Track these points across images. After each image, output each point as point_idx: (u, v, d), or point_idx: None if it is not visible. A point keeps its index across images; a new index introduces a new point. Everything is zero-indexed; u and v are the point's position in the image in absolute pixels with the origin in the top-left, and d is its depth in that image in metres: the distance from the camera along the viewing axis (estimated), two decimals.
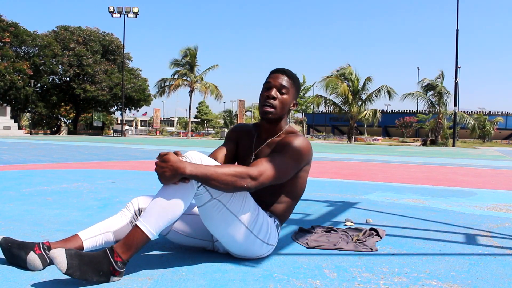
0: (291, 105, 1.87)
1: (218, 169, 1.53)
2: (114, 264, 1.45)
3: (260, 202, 1.79)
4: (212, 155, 1.89)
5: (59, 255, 1.38)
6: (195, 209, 1.83)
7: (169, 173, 1.48)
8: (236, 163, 1.94)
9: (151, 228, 1.48)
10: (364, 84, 32.65)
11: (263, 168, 1.63)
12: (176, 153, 1.53)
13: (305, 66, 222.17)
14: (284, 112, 1.84)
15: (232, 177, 1.54)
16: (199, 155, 1.59)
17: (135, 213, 1.74)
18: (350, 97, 32.28)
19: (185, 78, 39.15)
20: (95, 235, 1.68)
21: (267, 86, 1.83)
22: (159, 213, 1.49)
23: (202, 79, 39.46)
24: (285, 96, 1.82)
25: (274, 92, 1.81)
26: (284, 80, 1.82)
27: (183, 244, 1.90)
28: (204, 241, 1.86)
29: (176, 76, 39.32)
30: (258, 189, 1.63)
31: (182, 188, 1.52)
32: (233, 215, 1.62)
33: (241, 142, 1.96)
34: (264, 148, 1.85)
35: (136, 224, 1.49)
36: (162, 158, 1.50)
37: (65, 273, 1.38)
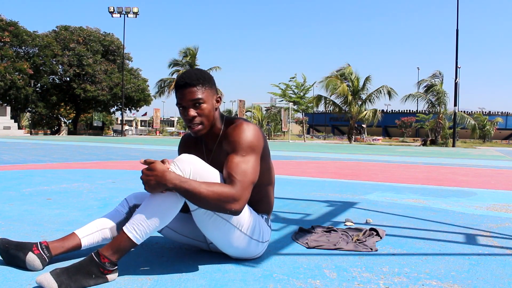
0: (215, 103, 1.70)
1: (202, 188, 1.48)
2: (103, 265, 1.46)
3: None
4: None
5: (45, 278, 1.38)
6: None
7: (154, 183, 1.47)
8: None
9: (138, 235, 1.48)
10: (364, 84, 32.66)
11: (243, 186, 1.54)
12: (162, 161, 1.51)
13: (305, 66, 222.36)
14: (212, 118, 1.69)
15: (216, 200, 1.49)
16: (191, 162, 1.55)
17: (129, 209, 1.75)
18: (350, 97, 32.28)
19: None
20: (92, 233, 1.68)
21: (181, 108, 1.66)
22: (146, 221, 1.49)
23: None
24: (203, 106, 1.64)
25: (191, 112, 1.64)
26: (192, 93, 1.63)
27: (177, 241, 1.90)
28: (198, 242, 1.85)
29: (175, 76, 39.32)
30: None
31: (169, 197, 1.51)
32: (225, 220, 1.60)
33: (193, 154, 1.82)
34: (216, 152, 1.75)
35: (122, 230, 1.49)
36: (149, 167, 1.49)
37: None
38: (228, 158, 1.61)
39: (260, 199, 1.81)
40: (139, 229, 1.48)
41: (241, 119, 1.73)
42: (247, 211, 1.69)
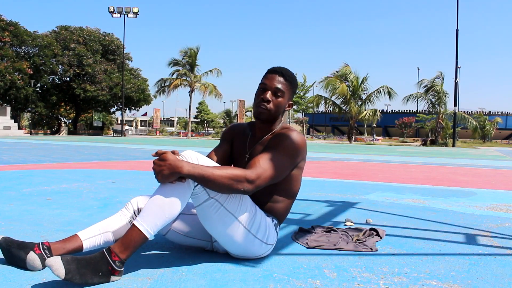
0: (286, 106, 1.86)
1: (215, 171, 1.53)
2: (113, 264, 1.45)
3: (257, 202, 1.79)
4: (208, 156, 1.90)
5: (55, 262, 1.38)
6: (194, 210, 1.83)
7: (167, 172, 1.49)
8: (233, 165, 1.94)
9: (148, 227, 1.48)
10: (362, 82, 32.63)
11: (260, 171, 1.62)
12: (173, 152, 1.54)
13: (306, 65, 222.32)
14: (278, 113, 1.83)
15: (229, 180, 1.53)
16: (196, 154, 1.60)
17: (134, 213, 1.74)
18: (349, 97, 32.29)
19: (185, 78, 39.16)
20: (94, 235, 1.67)
21: (262, 87, 1.82)
22: (156, 213, 1.49)
23: (202, 79, 39.48)
24: (280, 99, 1.80)
25: (269, 95, 1.79)
26: (280, 83, 1.80)
27: (182, 244, 1.90)
28: (203, 241, 1.85)
29: (175, 76, 39.33)
30: (255, 191, 1.63)
31: (179, 187, 1.52)
32: (231, 214, 1.62)
33: (236, 142, 1.97)
34: (258, 147, 1.85)
35: (133, 224, 1.49)
36: (160, 157, 1.51)
37: (64, 279, 1.37)
38: (264, 149, 1.74)
39: (280, 201, 1.84)
40: (149, 222, 1.48)
41: (295, 129, 1.85)
42: (254, 209, 1.70)
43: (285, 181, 1.80)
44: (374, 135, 36.71)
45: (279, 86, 1.79)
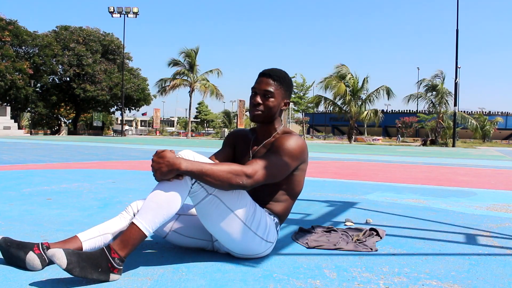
0: (282, 105, 1.87)
1: (213, 166, 1.57)
2: (112, 261, 1.46)
3: (258, 201, 1.80)
4: (210, 159, 1.90)
5: (58, 252, 1.41)
6: (193, 210, 1.84)
7: (165, 169, 1.52)
8: None
9: (147, 225, 1.50)
10: (362, 84, 32.65)
11: (258, 167, 1.65)
12: (171, 152, 1.57)
13: (306, 65, 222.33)
14: (272, 114, 1.85)
15: (227, 174, 1.56)
16: (193, 153, 1.62)
17: (134, 215, 1.74)
18: (349, 97, 32.30)
19: (185, 78, 39.17)
20: (94, 237, 1.68)
21: (253, 92, 1.85)
22: (155, 210, 1.51)
23: (202, 79, 39.49)
24: (271, 100, 1.82)
25: (258, 98, 1.82)
26: (268, 85, 1.82)
27: (183, 245, 1.90)
28: (203, 241, 1.86)
29: (176, 76, 39.31)
30: (253, 187, 1.65)
31: (176, 184, 1.55)
32: (230, 210, 1.63)
33: (238, 147, 1.99)
34: (261, 150, 1.87)
35: (132, 221, 1.51)
36: (159, 154, 1.54)
37: (65, 269, 1.39)
38: (265, 152, 1.78)
39: (282, 201, 1.86)
40: (148, 219, 1.50)
41: (296, 133, 1.87)
42: (253, 206, 1.71)
43: (287, 182, 1.82)
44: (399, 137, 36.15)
45: (268, 88, 1.81)
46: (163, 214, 1.52)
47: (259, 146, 1.89)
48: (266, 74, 1.84)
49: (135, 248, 1.51)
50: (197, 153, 1.64)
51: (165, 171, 1.52)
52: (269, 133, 1.89)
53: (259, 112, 1.83)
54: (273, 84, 1.82)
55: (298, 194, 1.92)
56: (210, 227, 1.68)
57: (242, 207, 1.66)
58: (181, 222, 1.81)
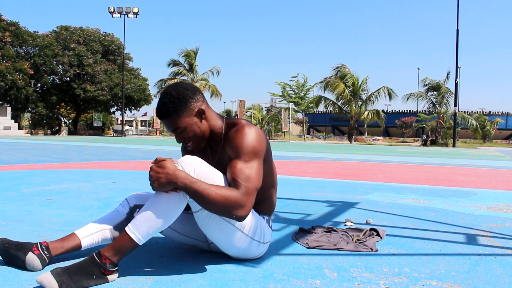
0: (197, 118, 1.66)
1: (211, 192, 1.47)
2: (104, 266, 1.46)
3: None
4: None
5: (46, 277, 1.38)
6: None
7: (164, 180, 1.46)
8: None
9: (140, 235, 1.48)
10: (361, 84, 32.63)
11: (249, 191, 1.54)
12: (171, 161, 1.51)
13: (306, 65, 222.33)
14: (202, 134, 1.68)
15: (223, 206, 1.48)
16: (193, 161, 1.55)
17: (130, 209, 1.75)
18: (349, 97, 32.29)
19: (184, 78, 39.17)
20: (92, 233, 1.68)
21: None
22: (150, 221, 1.49)
23: (201, 79, 39.51)
24: (187, 131, 1.65)
25: (178, 138, 1.68)
26: (171, 124, 1.64)
27: (178, 242, 1.90)
28: (199, 242, 1.85)
29: (175, 76, 39.32)
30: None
31: (174, 197, 1.50)
32: (227, 221, 1.60)
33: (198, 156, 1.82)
34: (221, 155, 1.73)
35: (125, 231, 1.49)
36: (159, 164, 1.48)
37: None
38: (231, 164, 1.59)
39: (263, 201, 1.79)
40: (142, 230, 1.48)
41: (242, 120, 1.72)
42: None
43: (263, 177, 1.67)
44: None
45: (173, 126, 1.64)
46: (158, 227, 1.50)
47: (217, 155, 1.75)
48: (160, 115, 1.64)
49: (126, 255, 1.50)
50: (199, 159, 1.58)
51: (164, 182, 1.46)
52: (218, 138, 1.73)
53: (193, 144, 1.69)
54: (172, 119, 1.62)
55: (275, 180, 1.85)
56: (208, 234, 1.67)
57: None
58: (178, 219, 1.77)
